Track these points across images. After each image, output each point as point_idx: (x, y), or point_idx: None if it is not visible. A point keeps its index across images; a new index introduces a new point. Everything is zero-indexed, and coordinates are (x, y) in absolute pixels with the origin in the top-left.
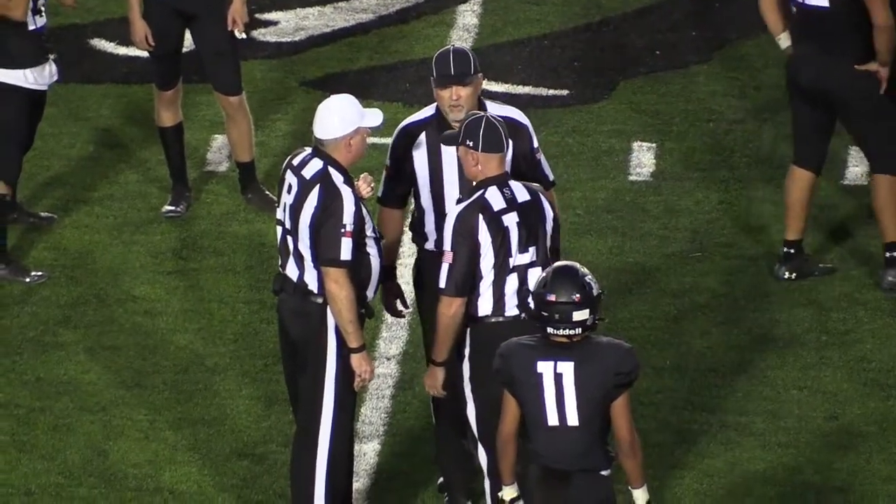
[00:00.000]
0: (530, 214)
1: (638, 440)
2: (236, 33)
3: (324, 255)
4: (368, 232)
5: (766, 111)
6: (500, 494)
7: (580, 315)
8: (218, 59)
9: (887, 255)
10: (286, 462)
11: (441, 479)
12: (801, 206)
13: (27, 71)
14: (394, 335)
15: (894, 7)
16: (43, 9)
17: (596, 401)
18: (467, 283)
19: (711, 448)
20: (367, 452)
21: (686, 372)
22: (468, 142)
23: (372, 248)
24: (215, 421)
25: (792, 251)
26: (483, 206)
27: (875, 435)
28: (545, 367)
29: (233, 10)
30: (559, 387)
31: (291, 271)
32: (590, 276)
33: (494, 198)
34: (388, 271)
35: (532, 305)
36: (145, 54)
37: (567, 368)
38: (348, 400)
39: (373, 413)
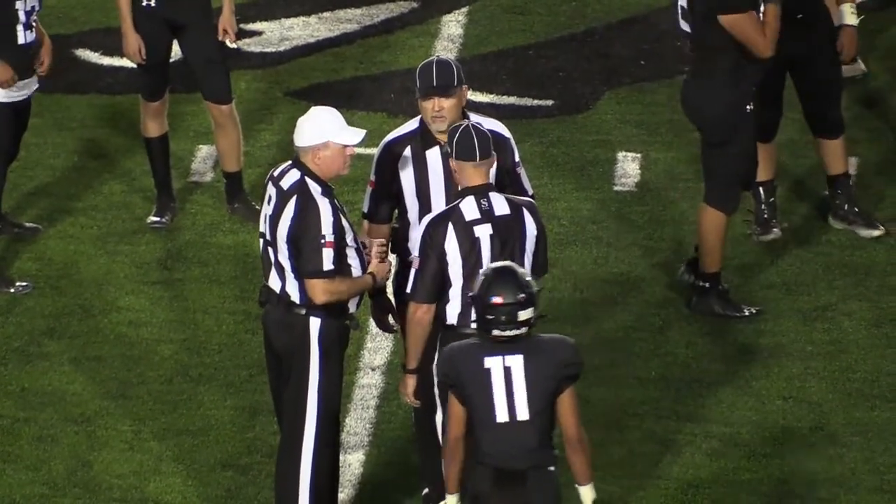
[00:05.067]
0: (507, 229)
1: (585, 436)
2: (227, 43)
3: (305, 267)
4: (349, 241)
5: None
6: None
7: (525, 314)
8: (208, 67)
9: (699, 283)
10: (271, 472)
11: (426, 490)
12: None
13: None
14: (378, 346)
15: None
16: (34, 24)
17: (546, 393)
18: (434, 289)
19: (696, 458)
20: (351, 463)
21: (671, 382)
22: (448, 148)
23: (354, 260)
24: (200, 431)
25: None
26: (455, 214)
27: (860, 445)
28: (493, 363)
29: (223, 20)
30: (508, 381)
31: (274, 283)
32: (528, 274)
33: (469, 208)
34: (378, 286)
35: (475, 309)
36: (130, 64)
37: (516, 362)
38: (332, 411)
39: (357, 423)
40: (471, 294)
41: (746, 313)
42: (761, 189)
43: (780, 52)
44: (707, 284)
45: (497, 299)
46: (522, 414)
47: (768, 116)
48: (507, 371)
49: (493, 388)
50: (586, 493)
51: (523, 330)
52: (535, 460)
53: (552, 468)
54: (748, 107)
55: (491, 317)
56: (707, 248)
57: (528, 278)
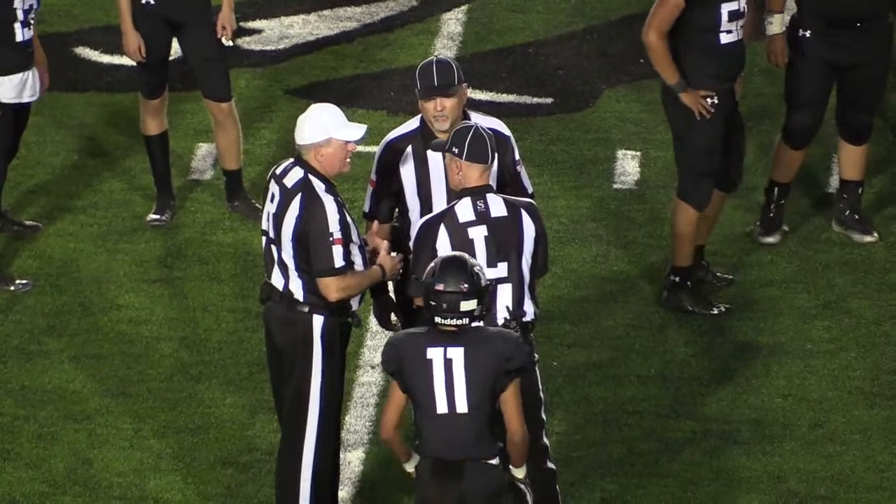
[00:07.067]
0: (503, 230)
1: (527, 434)
2: (224, 40)
3: (318, 266)
4: (354, 238)
5: (750, 120)
6: None
7: (468, 305)
8: (207, 65)
9: (671, 277)
10: (271, 470)
11: None
12: (705, 218)
13: (6, 81)
14: (378, 344)
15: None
16: (32, 21)
17: (485, 386)
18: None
19: (696, 456)
20: (351, 461)
21: (670, 380)
22: (454, 149)
23: (357, 257)
24: (200, 429)
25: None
26: (449, 216)
27: (859, 443)
28: (435, 354)
29: (222, 17)
30: (449, 373)
31: (277, 280)
32: (478, 267)
33: (464, 209)
34: (381, 285)
35: (423, 296)
36: (130, 62)
37: (457, 354)
38: (333, 408)
39: (357, 421)
40: (420, 280)
41: (715, 311)
42: (776, 189)
43: (836, 57)
44: (678, 279)
45: (440, 286)
46: (461, 407)
47: (807, 123)
48: (448, 363)
49: (433, 379)
50: (518, 472)
51: (465, 321)
52: (472, 452)
53: (493, 461)
54: (707, 100)
55: (434, 303)
56: (677, 242)
57: (478, 270)
